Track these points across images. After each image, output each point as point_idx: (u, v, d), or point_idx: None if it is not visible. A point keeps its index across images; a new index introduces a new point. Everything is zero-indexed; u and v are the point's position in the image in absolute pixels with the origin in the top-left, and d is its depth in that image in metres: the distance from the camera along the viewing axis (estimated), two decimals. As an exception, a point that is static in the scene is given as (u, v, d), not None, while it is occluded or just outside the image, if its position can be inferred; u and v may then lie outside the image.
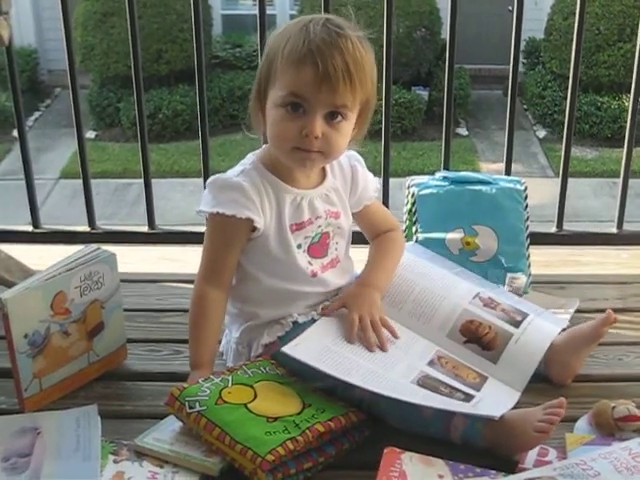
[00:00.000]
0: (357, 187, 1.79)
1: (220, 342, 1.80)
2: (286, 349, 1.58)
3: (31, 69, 11.02)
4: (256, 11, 2.41)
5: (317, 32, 1.58)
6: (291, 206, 1.69)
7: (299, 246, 1.70)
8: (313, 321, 1.70)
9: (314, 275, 1.72)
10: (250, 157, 1.73)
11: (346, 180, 1.78)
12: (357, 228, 1.87)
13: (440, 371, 1.65)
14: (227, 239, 1.67)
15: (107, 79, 10.24)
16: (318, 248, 1.73)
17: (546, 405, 1.48)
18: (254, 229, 1.66)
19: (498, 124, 9.79)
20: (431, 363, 1.67)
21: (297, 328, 1.68)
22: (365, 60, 1.60)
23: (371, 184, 1.82)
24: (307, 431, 1.45)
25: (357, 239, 1.88)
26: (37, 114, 10.84)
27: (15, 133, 2.54)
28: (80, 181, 2.55)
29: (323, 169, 1.75)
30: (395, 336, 1.69)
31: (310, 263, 1.72)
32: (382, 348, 1.65)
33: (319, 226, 1.72)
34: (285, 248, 1.68)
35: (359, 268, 1.85)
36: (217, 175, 1.70)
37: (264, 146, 1.74)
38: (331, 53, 1.55)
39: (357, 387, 1.53)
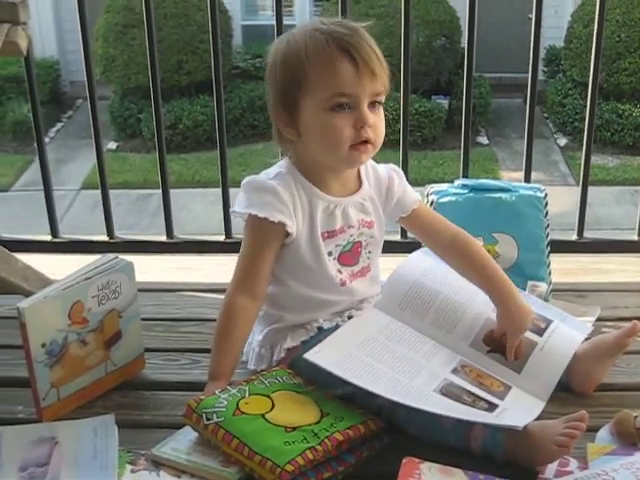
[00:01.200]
0: (392, 198, 1.77)
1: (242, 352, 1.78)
2: (307, 356, 1.57)
3: (53, 80, 11.11)
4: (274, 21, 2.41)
5: (335, 30, 1.59)
6: (324, 213, 1.68)
7: (330, 253, 1.69)
8: (337, 327, 1.69)
9: (343, 284, 1.71)
10: (285, 161, 1.72)
11: (381, 189, 1.76)
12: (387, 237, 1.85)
13: (464, 379, 1.63)
14: (261, 243, 1.65)
15: (128, 90, 10.31)
16: (349, 256, 1.72)
17: (567, 418, 1.46)
18: (287, 234, 1.65)
19: (519, 133, 9.75)
20: (455, 371, 1.65)
21: (321, 333, 1.68)
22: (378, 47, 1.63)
23: (410, 196, 1.80)
24: (326, 440, 1.44)
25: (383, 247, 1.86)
26: (59, 125, 10.92)
27: (36, 146, 2.54)
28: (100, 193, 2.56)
29: (359, 177, 1.74)
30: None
31: (340, 271, 1.71)
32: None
33: (351, 235, 1.71)
34: (316, 255, 1.67)
35: (384, 276, 1.85)
36: (252, 176, 1.69)
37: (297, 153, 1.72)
38: (359, 43, 1.57)
39: (378, 396, 1.51)
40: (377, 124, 1.62)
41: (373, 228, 1.74)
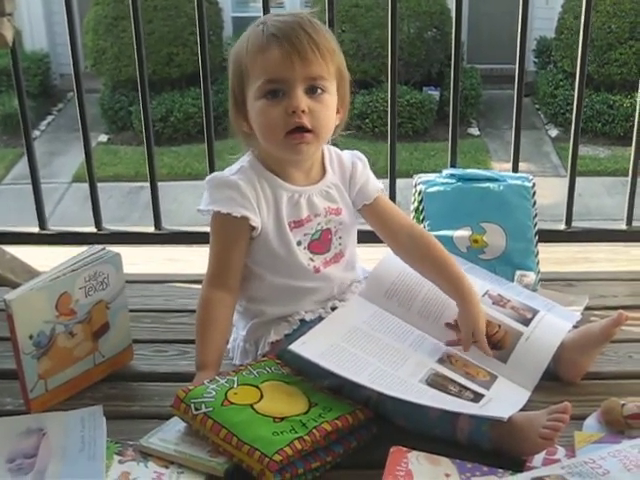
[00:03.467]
0: (355, 184, 1.77)
1: (228, 342, 1.78)
2: (293, 347, 1.57)
3: (43, 73, 11.07)
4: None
5: (272, 21, 1.62)
6: (289, 203, 1.68)
7: (299, 243, 1.69)
8: (320, 319, 1.70)
9: (317, 271, 1.71)
10: (247, 155, 1.73)
11: (344, 176, 1.76)
12: (363, 227, 1.85)
13: (450, 369, 1.64)
14: (227, 238, 1.67)
15: (119, 83, 10.28)
16: (319, 244, 1.72)
17: (551, 410, 1.46)
18: (252, 228, 1.65)
19: (510, 124, 9.57)
20: (441, 361, 1.66)
21: (304, 326, 1.68)
22: (325, 30, 1.63)
23: (372, 185, 1.79)
24: (314, 430, 1.44)
25: (363, 238, 1.86)
26: (50, 118, 10.89)
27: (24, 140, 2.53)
28: (88, 185, 2.55)
29: (323, 165, 1.74)
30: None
31: (312, 259, 1.71)
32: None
33: (319, 223, 1.71)
34: (285, 245, 1.68)
35: (368, 267, 1.85)
36: (214, 173, 1.71)
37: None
38: (292, 29, 1.58)
39: (364, 386, 1.52)
40: (316, 110, 1.60)
41: (341, 215, 1.74)
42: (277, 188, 1.68)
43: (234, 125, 1.70)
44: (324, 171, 1.74)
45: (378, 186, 1.80)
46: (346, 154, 1.79)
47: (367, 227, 1.83)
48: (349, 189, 1.77)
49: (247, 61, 1.61)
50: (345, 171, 1.77)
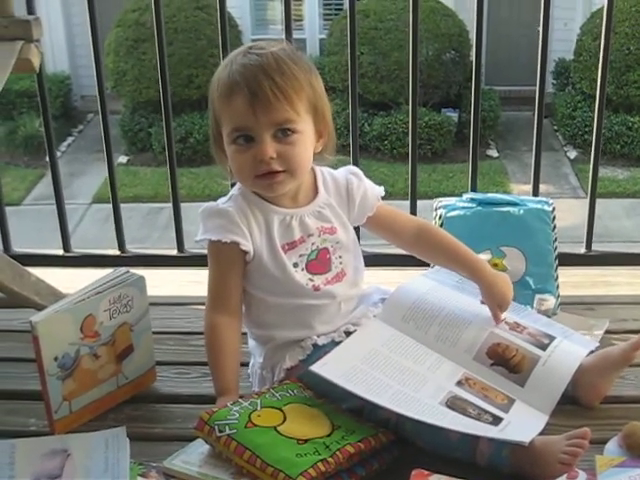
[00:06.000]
0: (354, 200, 1.78)
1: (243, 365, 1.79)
2: (314, 368, 1.58)
3: (64, 95, 11.18)
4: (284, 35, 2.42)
5: (238, 61, 1.61)
6: (280, 226, 1.70)
7: (295, 265, 1.70)
8: (334, 343, 1.70)
9: (317, 289, 1.71)
10: (238, 184, 1.75)
11: (341, 195, 1.77)
12: (379, 249, 1.85)
13: (469, 392, 1.63)
14: (222, 265, 1.70)
15: (139, 104, 10.37)
16: (318, 265, 1.73)
17: (570, 435, 1.47)
18: (245, 253, 1.68)
19: (528, 145, 9.69)
20: (459, 384, 1.65)
21: (318, 350, 1.68)
22: (294, 69, 1.61)
23: (371, 194, 1.80)
24: (337, 452, 1.45)
25: (368, 262, 1.87)
26: (70, 139, 10.99)
27: (48, 159, 2.56)
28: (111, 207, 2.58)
29: (314, 185, 1.76)
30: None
31: (311, 279, 1.71)
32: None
33: (313, 243, 1.72)
34: (280, 268, 1.69)
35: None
36: (206, 204, 1.73)
37: None
38: (254, 75, 1.57)
39: (384, 408, 1.52)
40: (286, 153, 1.61)
41: (336, 234, 1.75)
42: (268, 212, 1.70)
43: (216, 158, 1.74)
44: (316, 191, 1.75)
45: (377, 193, 1.81)
46: (340, 172, 1.80)
47: (380, 250, 1.83)
48: (348, 206, 1.78)
49: (217, 105, 1.64)
50: (341, 189, 1.77)
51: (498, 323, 1.75)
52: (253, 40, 11.38)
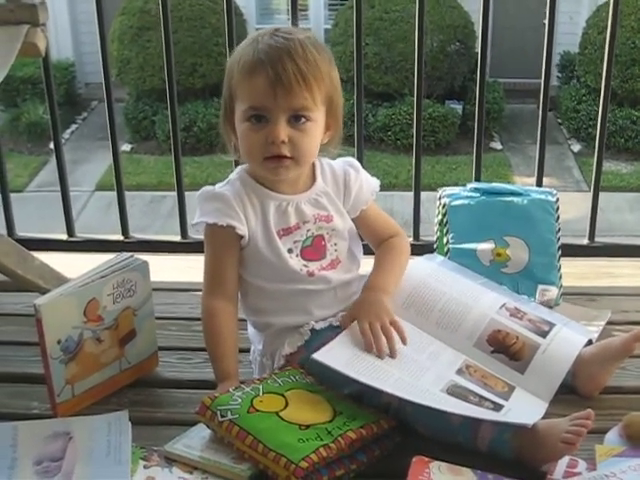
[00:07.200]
0: (350, 192, 1.79)
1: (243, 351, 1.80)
2: (316, 356, 1.58)
3: (68, 82, 11.17)
4: (289, 25, 2.42)
5: (265, 41, 1.61)
6: (277, 212, 1.71)
7: (290, 250, 1.71)
8: (331, 328, 1.71)
9: (311, 275, 1.72)
10: (237, 169, 1.77)
11: (338, 185, 1.78)
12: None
13: (469, 380, 1.64)
14: (218, 248, 1.71)
15: (143, 92, 10.37)
16: (312, 251, 1.74)
17: (573, 416, 1.48)
18: (240, 237, 1.68)
19: (532, 138, 9.74)
20: (459, 372, 1.66)
21: (317, 336, 1.69)
22: (318, 58, 1.62)
23: (367, 187, 1.81)
24: (339, 438, 1.46)
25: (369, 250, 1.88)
26: (74, 127, 10.99)
27: (52, 145, 2.57)
28: (115, 193, 2.59)
29: (313, 174, 1.77)
30: (403, 341, 1.67)
31: (306, 265, 1.72)
32: (392, 355, 1.64)
33: (308, 230, 1.73)
34: (275, 253, 1.70)
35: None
36: (203, 188, 1.74)
37: None
38: (280, 57, 1.58)
39: (385, 394, 1.53)
40: (297, 140, 1.63)
41: (332, 222, 1.75)
42: (265, 197, 1.71)
43: (224, 136, 1.74)
44: (313, 179, 1.76)
45: (373, 188, 1.83)
46: (338, 163, 1.81)
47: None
48: (344, 197, 1.79)
49: (236, 81, 1.64)
50: (339, 181, 1.78)
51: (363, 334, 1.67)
52: (257, 29, 11.40)
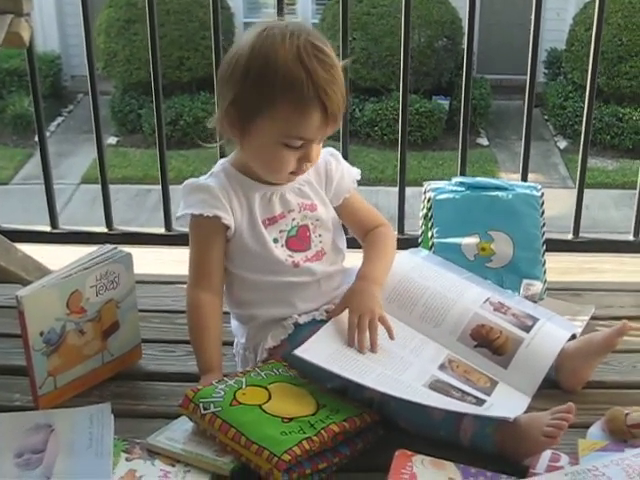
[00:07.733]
0: (332, 181, 1.79)
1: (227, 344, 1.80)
2: (298, 352, 1.58)
3: (54, 75, 11.12)
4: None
5: (314, 66, 1.56)
6: (261, 201, 1.71)
7: (275, 240, 1.71)
8: (315, 322, 1.71)
9: (296, 265, 1.71)
10: (221, 161, 1.77)
11: (320, 174, 1.79)
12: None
13: (451, 375, 1.64)
14: (204, 240, 1.70)
15: (129, 85, 10.33)
16: (297, 241, 1.74)
17: (555, 410, 1.48)
18: (227, 228, 1.68)
19: (519, 134, 9.60)
20: (442, 367, 1.66)
21: (300, 330, 1.69)
22: (341, 76, 1.63)
23: (348, 176, 1.82)
24: (322, 431, 1.46)
25: (353, 244, 1.89)
26: (59, 119, 10.94)
27: (37, 138, 2.55)
28: (100, 186, 2.57)
29: None
30: (391, 336, 1.67)
31: (291, 256, 1.72)
32: (372, 350, 1.64)
33: (293, 219, 1.73)
34: (261, 243, 1.69)
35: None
36: (188, 180, 1.74)
37: (235, 152, 1.76)
38: (333, 91, 1.58)
39: (368, 388, 1.53)
40: (317, 153, 1.68)
41: (316, 211, 1.76)
42: (249, 188, 1.71)
43: (219, 129, 1.70)
44: None
45: (354, 176, 1.83)
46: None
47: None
48: (326, 185, 1.79)
49: (280, 101, 1.56)
50: (320, 170, 1.79)
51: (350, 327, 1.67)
52: (245, 24, 11.37)
